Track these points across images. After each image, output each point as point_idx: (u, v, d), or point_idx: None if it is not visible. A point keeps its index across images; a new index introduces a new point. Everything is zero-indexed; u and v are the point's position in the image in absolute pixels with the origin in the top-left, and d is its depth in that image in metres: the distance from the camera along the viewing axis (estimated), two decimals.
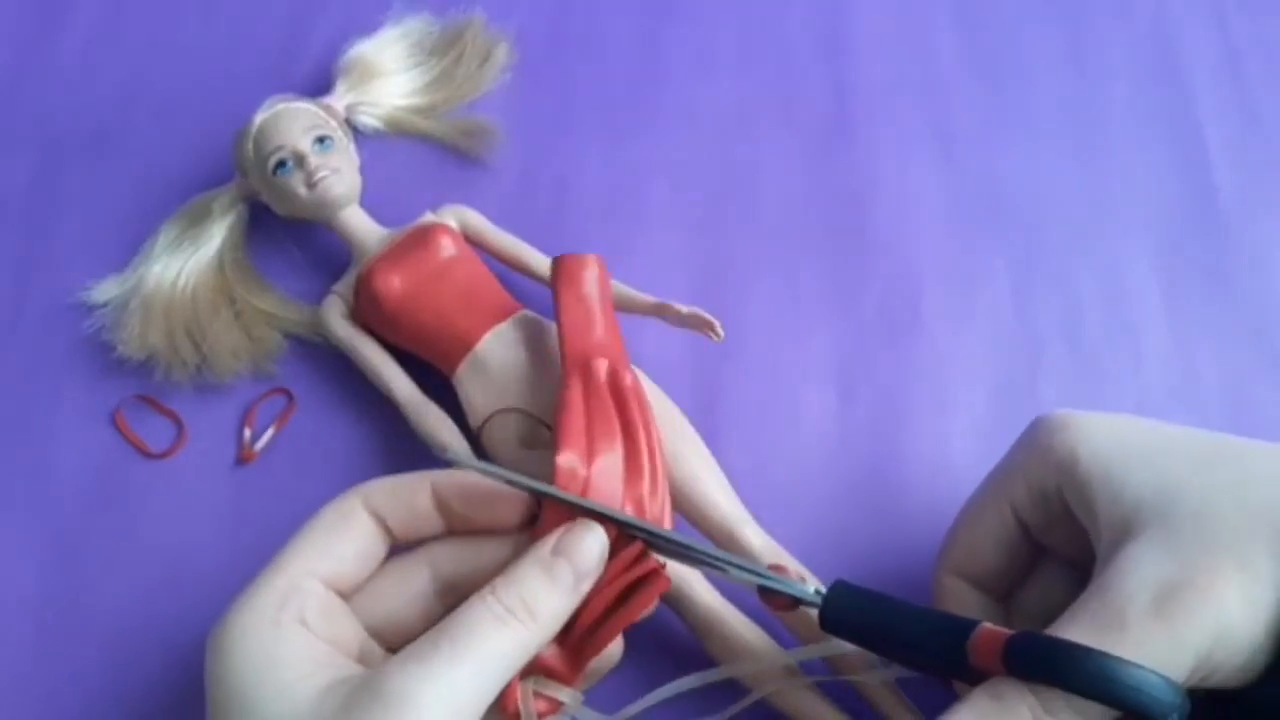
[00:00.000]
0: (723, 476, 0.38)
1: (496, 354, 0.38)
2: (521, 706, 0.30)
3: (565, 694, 0.31)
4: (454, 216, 0.42)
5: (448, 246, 0.40)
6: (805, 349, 0.43)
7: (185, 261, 0.43)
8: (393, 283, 0.39)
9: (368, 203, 0.43)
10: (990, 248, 0.45)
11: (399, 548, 0.32)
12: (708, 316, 0.38)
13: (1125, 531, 0.28)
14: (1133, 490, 0.28)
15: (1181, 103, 0.48)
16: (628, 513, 0.33)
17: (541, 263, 0.41)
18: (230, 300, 0.42)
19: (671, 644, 0.37)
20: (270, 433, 0.41)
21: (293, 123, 0.41)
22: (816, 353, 0.43)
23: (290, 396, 0.42)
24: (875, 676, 0.34)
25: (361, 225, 0.42)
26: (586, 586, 0.29)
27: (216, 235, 0.43)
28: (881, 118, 0.48)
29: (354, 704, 0.26)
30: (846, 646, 0.33)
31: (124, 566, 0.39)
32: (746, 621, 0.35)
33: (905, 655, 0.30)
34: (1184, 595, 0.25)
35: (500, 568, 0.29)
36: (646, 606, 0.30)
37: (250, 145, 0.42)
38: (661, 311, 0.40)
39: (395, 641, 0.30)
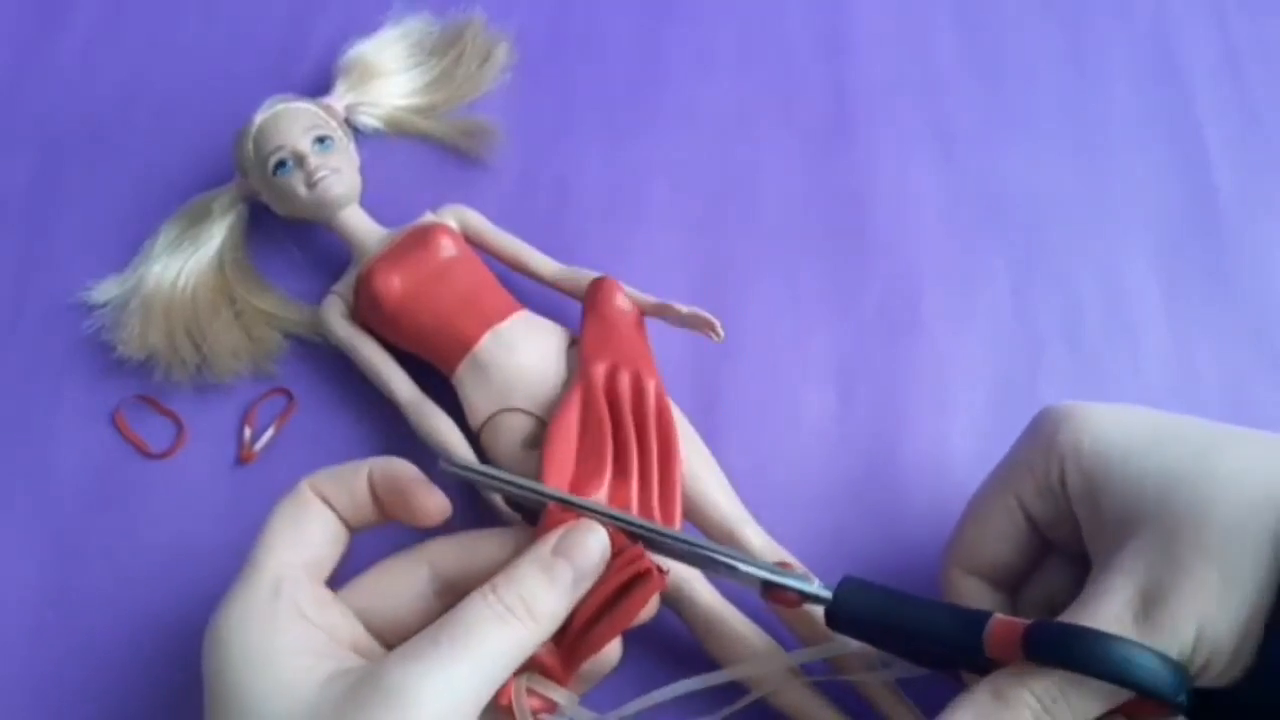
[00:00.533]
0: (722, 476, 0.38)
1: (496, 354, 0.38)
2: (515, 704, 0.30)
3: (559, 694, 0.31)
4: (454, 216, 0.42)
5: (448, 246, 0.40)
6: (805, 349, 0.43)
7: (185, 261, 0.43)
8: (392, 283, 0.39)
9: (368, 203, 0.43)
10: (990, 248, 0.45)
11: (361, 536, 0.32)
12: (708, 316, 0.38)
13: (1124, 526, 0.28)
14: (1134, 480, 0.28)
15: (1181, 103, 0.48)
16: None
17: (542, 263, 0.42)
18: (230, 300, 0.42)
19: (673, 644, 0.37)
20: (270, 433, 0.41)
21: (293, 123, 0.41)
22: (816, 353, 0.43)
23: (290, 396, 0.42)
24: (876, 677, 0.34)
25: (361, 225, 0.42)
26: (586, 586, 0.29)
27: (216, 235, 0.43)
28: (881, 118, 0.48)
29: (354, 697, 0.26)
30: (850, 645, 0.33)
31: (124, 566, 0.39)
32: (747, 622, 0.35)
33: (915, 649, 0.30)
34: (1168, 604, 0.26)
35: (499, 567, 0.29)
36: (640, 607, 0.30)
37: (250, 145, 0.42)
38: (661, 311, 0.40)
39: (394, 640, 0.30)
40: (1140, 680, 0.26)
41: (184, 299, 0.42)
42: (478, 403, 0.38)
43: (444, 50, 0.48)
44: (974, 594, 0.33)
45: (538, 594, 0.28)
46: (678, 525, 0.35)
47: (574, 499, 0.31)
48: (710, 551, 0.31)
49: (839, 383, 0.42)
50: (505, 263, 0.42)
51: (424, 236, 0.40)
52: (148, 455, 0.41)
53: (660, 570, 0.30)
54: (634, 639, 0.37)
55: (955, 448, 0.41)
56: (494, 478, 0.31)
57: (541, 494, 0.31)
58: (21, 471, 0.41)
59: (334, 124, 0.43)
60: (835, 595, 0.30)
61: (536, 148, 0.47)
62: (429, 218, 0.42)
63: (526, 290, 0.42)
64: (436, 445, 0.38)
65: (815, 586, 0.31)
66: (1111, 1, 0.51)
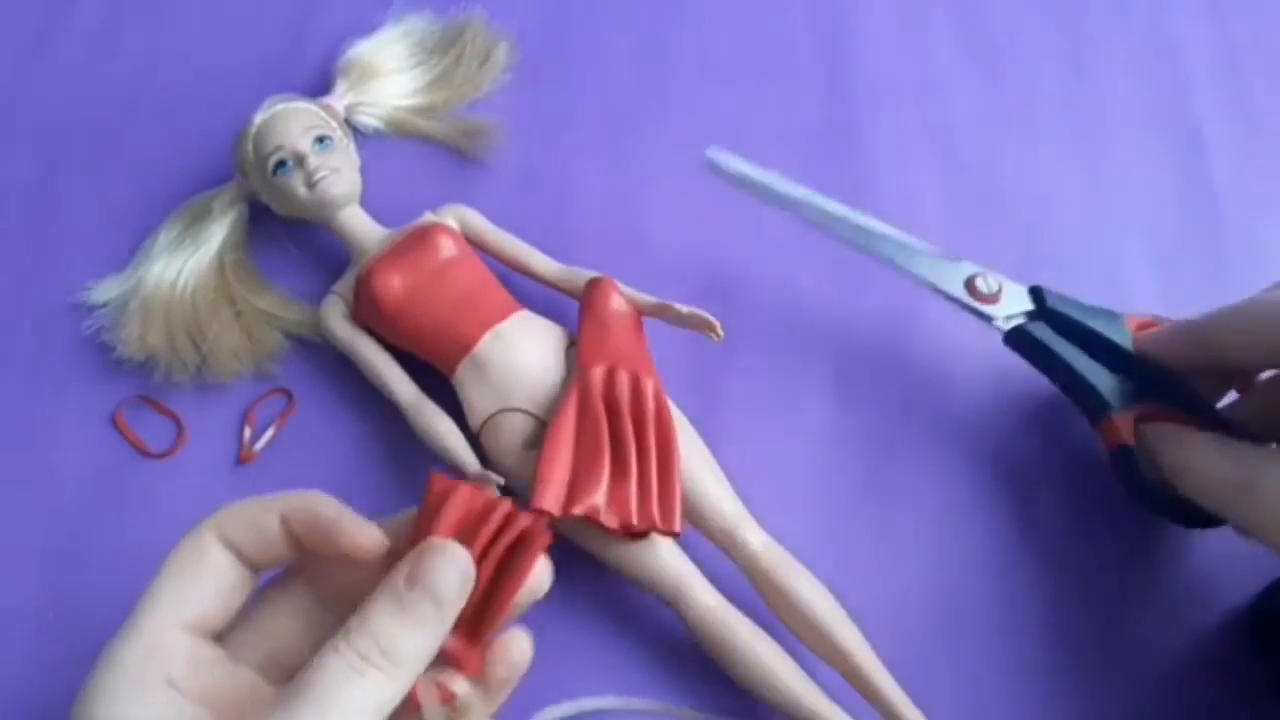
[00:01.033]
0: (722, 476, 0.38)
1: (496, 354, 0.38)
2: (423, 700, 0.27)
3: (461, 685, 0.28)
4: (454, 216, 0.42)
5: (447, 246, 0.40)
6: (805, 349, 0.43)
7: (185, 261, 0.43)
8: (392, 283, 0.39)
9: (368, 203, 0.43)
10: (990, 247, 0.45)
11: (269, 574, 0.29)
12: (708, 316, 0.38)
13: None
14: None
15: (1181, 103, 0.48)
16: (611, 511, 0.35)
17: (541, 263, 0.42)
18: (230, 300, 0.42)
19: (674, 645, 0.37)
20: (270, 433, 0.41)
21: (292, 123, 0.41)
22: (816, 353, 0.43)
23: (290, 396, 0.42)
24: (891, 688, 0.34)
25: (361, 225, 0.42)
26: (451, 616, 0.26)
27: (216, 235, 0.43)
28: (881, 118, 0.48)
29: None
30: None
31: (124, 566, 0.39)
32: (746, 622, 0.35)
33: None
34: None
35: (376, 573, 0.26)
36: (528, 572, 0.27)
37: (250, 145, 0.42)
38: (661, 312, 0.40)
39: (289, 671, 0.26)
40: None
41: (184, 299, 0.42)
42: (478, 403, 0.38)
43: (444, 50, 0.48)
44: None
45: (395, 636, 0.25)
46: (677, 526, 0.35)
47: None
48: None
49: (839, 383, 0.42)
50: (505, 263, 0.42)
51: (424, 236, 0.40)
52: (148, 455, 0.41)
53: (548, 525, 0.27)
54: (637, 641, 0.37)
55: (955, 448, 0.41)
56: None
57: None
58: (22, 471, 0.41)
59: (334, 124, 0.43)
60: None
61: (536, 148, 0.47)
62: (429, 218, 0.42)
63: (526, 290, 0.42)
64: (439, 450, 0.38)
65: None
66: (1111, 1, 0.51)
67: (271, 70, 0.48)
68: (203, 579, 0.28)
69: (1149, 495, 0.36)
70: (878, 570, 0.38)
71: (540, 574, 0.28)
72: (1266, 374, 0.37)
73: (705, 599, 0.35)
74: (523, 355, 0.38)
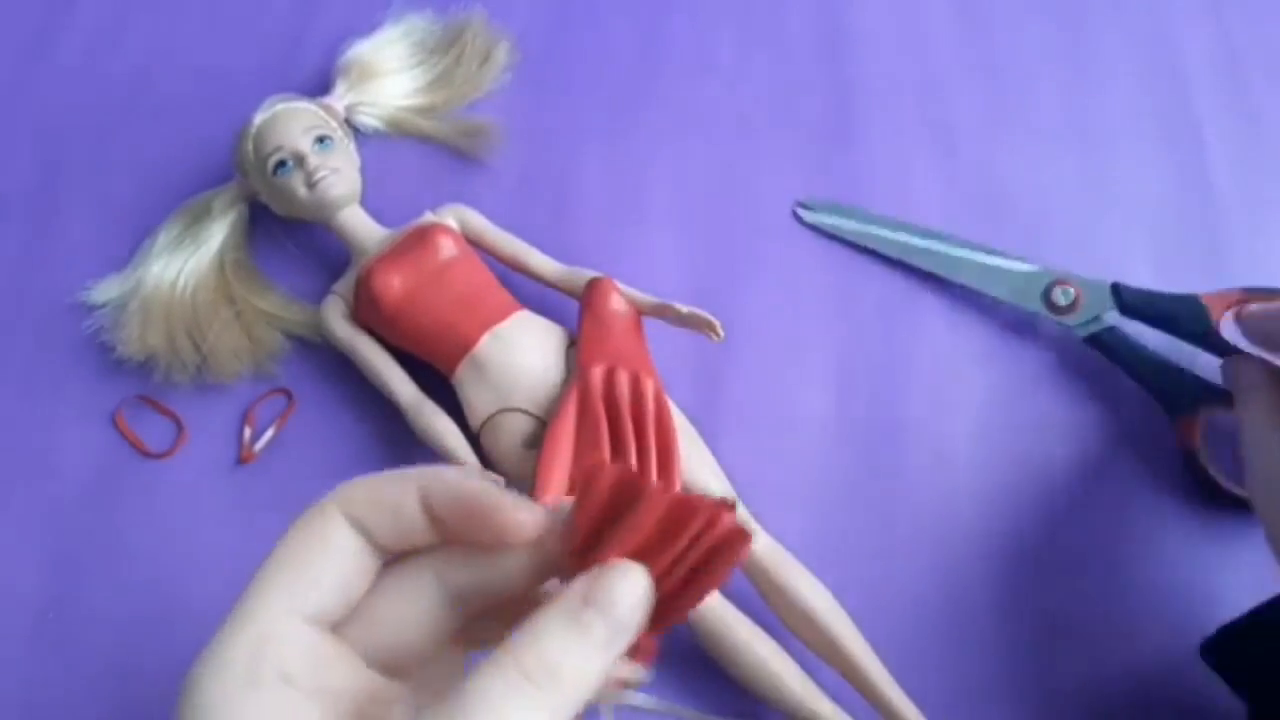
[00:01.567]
0: (722, 476, 0.38)
1: (496, 354, 0.38)
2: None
3: (634, 671, 0.26)
4: (454, 216, 0.42)
5: (447, 246, 0.40)
6: (805, 349, 0.43)
7: (185, 261, 0.43)
8: (392, 283, 0.39)
9: (368, 203, 0.43)
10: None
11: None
12: (708, 316, 0.38)
13: None
14: None
15: (1181, 102, 0.48)
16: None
17: (541, 263, 0.42)
18: (230, 300, 0.42)
19: (674, 645, 0.37)
20: (270, 433, 0.41)
21: (292, 123, 0.41)
22: (816, 353, 0.43)
23: (290, 396, 0.42)
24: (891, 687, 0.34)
25: (361, 225, 0.42)
26: (625, 642, 0.23)
27: (216, 235, 0.43)
28: (881, 118, 0.48)
29: None
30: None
31: (124, 566, 0.39)
32: (746, 622, 0.35)
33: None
34: None
35: (522, 572, 0.25)
36: (728, 572, 0.25)
37: (250, 145, 0.42)
38: (661, 312, 0.40)
39: (401, 666, 0.25)
40: None
41: (184, 299, 0.42)
42: (477, 403, 0.38)
43: (444, 50, 0.48)
44: None
45: (565, 656, 0.23)
46: None
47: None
48: None
49: (839, 383, 0.42)
50: (505, 263, 0.42)
51: (424, 236, 0.40)
52: (148, 455, 0.41)
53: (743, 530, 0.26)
54: None
55: (955, 449, 0.41)
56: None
57: None
58: (22, 471, 0.41)
59: (334, 124, 0.43)
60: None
61: (536, 148, 0.47)
62: (429, 218, 0.42)
63: (526, 290, 0.42)
64: (440, 449, 0.38)
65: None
66: (1111, 1, 0.51)
67: (271, 70, 0.48)
68: (326, 565, 0.25)
69: (1217, 495, 0.38)
70: (877, 570, 0.38)
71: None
72: None
73: (715, 608, 0.35)
74: (522, 355, 0.38)
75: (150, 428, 0.41)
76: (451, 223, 0.42)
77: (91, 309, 0.43)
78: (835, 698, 0.34)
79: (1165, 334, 0.40)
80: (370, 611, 0.25)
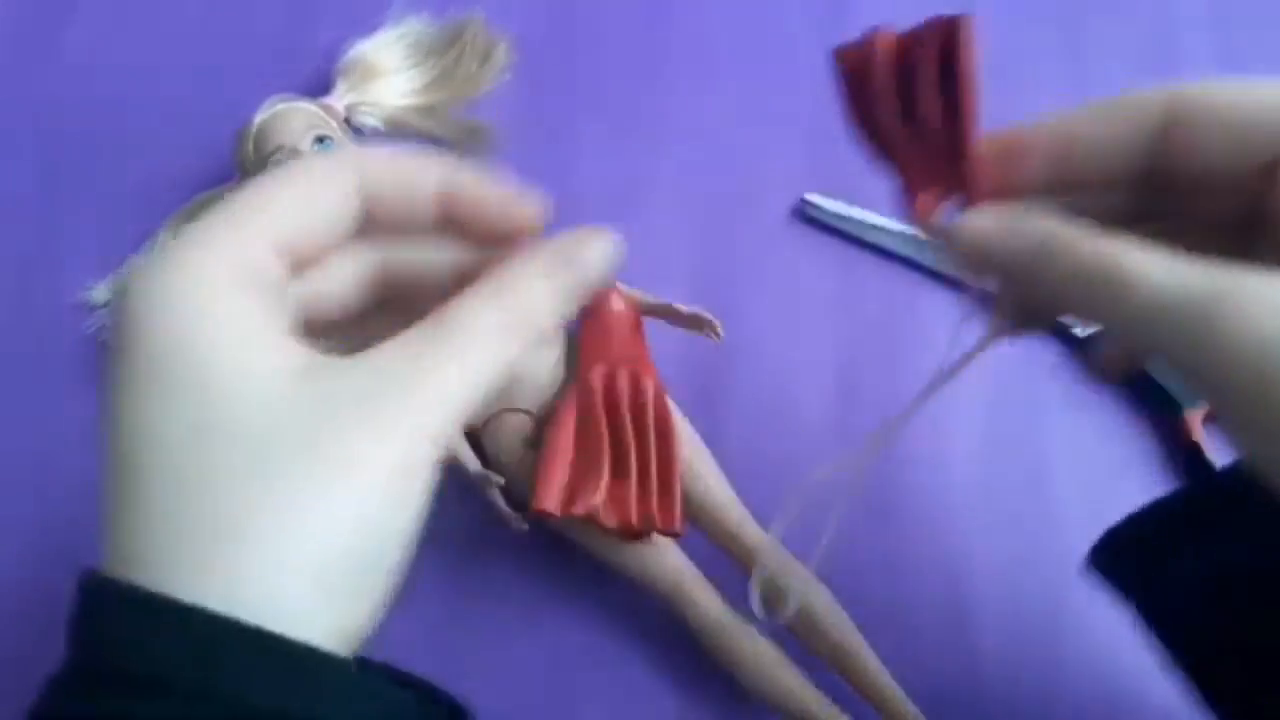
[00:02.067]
0: (722, 476, 0.38)
1: None
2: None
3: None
4: None
5: None
6: (805, 348, 0.43)
7: None
8: None
9: None
10: None
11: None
12: (708, 316, 0.38)
13: None
14: None
15: None
16: (610, 511, 0.35)
17: None
18: None
19: (676, 643, 0.37)
20: None
21: (293, 123, 0.41)
22: (816, 353, 0.43)
23: None
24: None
25: None
26: (583, 297, 0.25)
27: None
28: None
29: (337, 394, 0.21)
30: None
31: None
32: (747, 627, 0.35)
33: None
34: None
35: (452, 270, 0.25)
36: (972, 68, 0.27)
37: (250, 145, 0.42)
38: (662, 312, 0.40)
39: (300, 264, 0.24)
40: None
41: None
42: None
43: (444, 50, 0.48)
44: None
45: (544, 308, 0.24)
46: (678, 526, 0.35)
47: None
48: None
49: (839, 383, 0.42)
50: None
51: None
52: None
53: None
54: (637, 641, 0.37)
55: (956, 449, 0.41)
56: None
57: None
58: (22, 472, 0.41)
59: (334, 124, 0.43)
60: None
61: (536, 148, 0.47)
62: None
63: None
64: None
65: None
66: (1111, 1, 0.51)
67: (271, 70, 0.48)
68: (322, 206, 0.23)
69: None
70: (877, 569, 0.38)
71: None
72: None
73: (705, 600, 0.35)
74: (523, 356, 0.38)
75: None
76: None
77: (91, 309, 0.43)
78: (836, 698, 0.34)
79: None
80: (291, 201, 0.24)
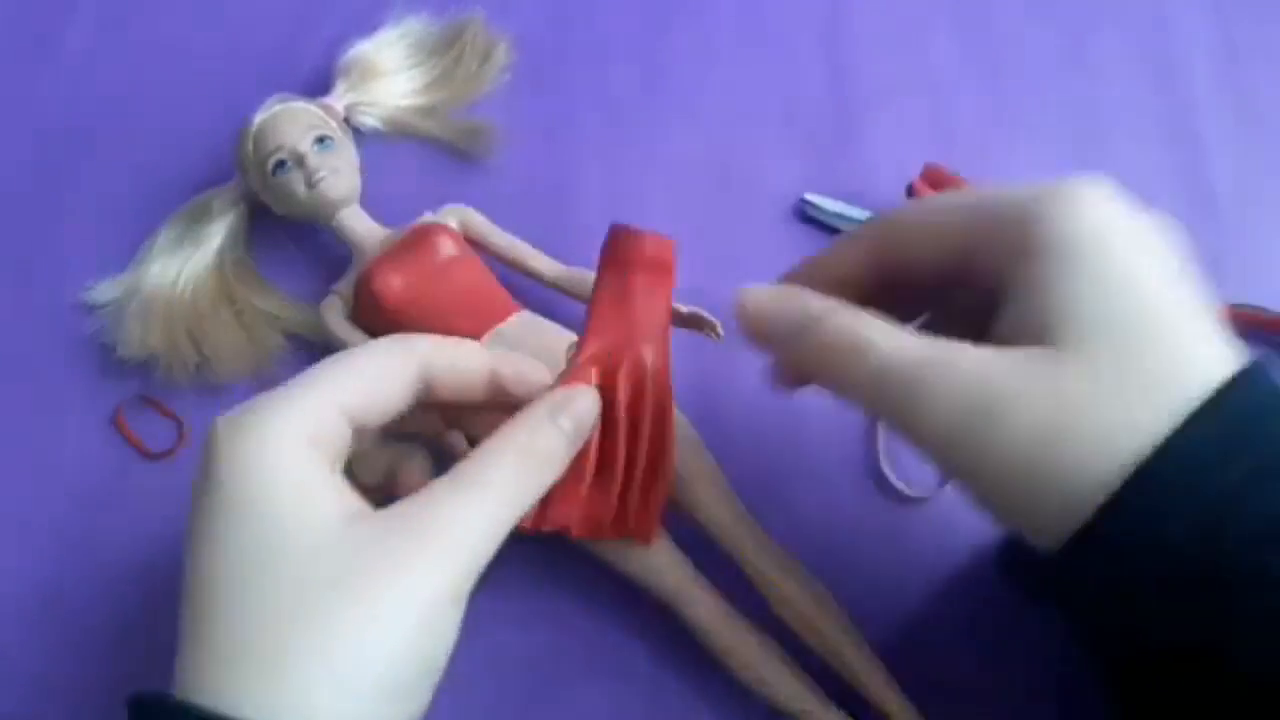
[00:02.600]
0: (722, 476, 0.38)
1: None
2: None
3: None
4: (454, 216, 0.42)
5: (448, 246, 0.40)
6: None
7: (185, 262, 0.43)
8: (393, 283, 0.39)
9: (368, 203, 0.43)
10: None
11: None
12: (708, 316, 0.38)
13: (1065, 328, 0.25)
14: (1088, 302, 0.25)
15: (1181, 103, 0.48)
16: (585, 525, 0.33)
17: (542, 263, 0.42)
18: (230, 300, 0.42)
19: (676, 642, 0.37)
20: None
21: (292, 123, 0.41)
22: None
23: None
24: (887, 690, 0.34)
25: (361, 225, 0.42)
26: (581, 437, 0.31)
27: (216, 235, 0.43)
28: (881, 118, 0.48)
29: (383, 535, 0.25)
30: None
31: (124, 566, 0.39)
32: (746, 623, 0.35)
33: None
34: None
35: (481, 385, 0.30)
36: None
37: (250, 145, 0.42)
38: None
39: (364, 435, 0.29)
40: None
41: (184, 299, 0.42)
42: None
43: (444, 50, 0.48)
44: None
45: (548, 441, 0.29)
46: (653, 538, 0.34)
47: None
48: None
49: None
50: (505, 263, 0.42)
51: (424, 236, 0.40)
52: (148, 455, 0.41)
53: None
54: (637, 640, 0.37)
55: None
56: None
57: None
58: (22, 472, 0.41)
59: (334, 124, 0.43)
60: None
61: (536, 148, 0.47)
62: (429, 218, 0.42)
63: (526, 290, 0.42)
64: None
65: None
66: (1111, 1, 0.51)
67: (271, 70, 0.48)
68: (383, 388, 0.28)
69: None
70: (879, 570, 0.38)
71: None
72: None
73: (705, 600, 0.35)
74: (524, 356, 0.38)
75: (150, 428, 0.41)
76: (451, 223, 0.42)
77: (92, 309, 0.43)
78: (836, 699, 0.34)
79: None
80: (360, 376, 0.29)
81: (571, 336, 0.40)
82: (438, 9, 0.49)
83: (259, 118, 0.42)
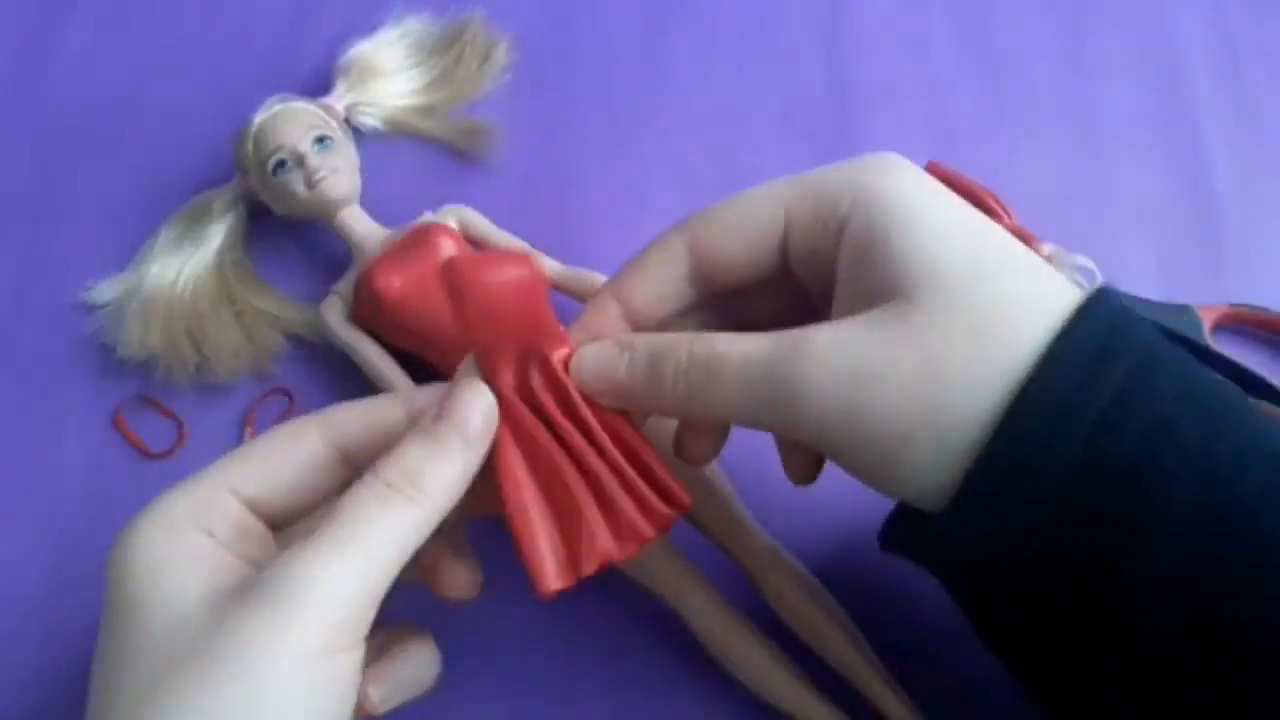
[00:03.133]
0: (722, 476, 0.38)
1: None
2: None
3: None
4: (454, 216, 0.42)
5: (448, 246, 0.40)
6: None
7: (185, 262, 0.43)
8: (393, 283, 0.39)
9: (368, 203, 0.43)
10: None
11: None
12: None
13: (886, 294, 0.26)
14: (925, 255, 0.26)
15: (1181, 103, 0.48)
16: (620, 544, 0.29)
17: (541, 263, 0.41)
18: (230, 300, 0.42)
19: (676, 642, 0.37)
20: None
21: (292, 123, 0.41)
22: None
23: (290, 396, 0.42)
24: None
25: (361, 225, 0.42)
26: (479, 451, 0.27)
27: (216, 235, 0.43)
28: (881, 118, 0.48)
29: (238, 602, 0.24)
30: None
31: None
32: (746, 623, 0.35)
33: None
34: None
35: (404, 422, 0.28)
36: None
37: (250, 145, 0.42)
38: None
39: (280, 516, 0.28)
40: None
41: (184, 299, 0.42)
42: None
43: (444, 50, 0.48)
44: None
45: (423, 465, 0.26)
46: (686, 498, 0.30)
47: None
48: None
49: None
50: None
51: (424, 236, 0.40)
52: (148, 455, 0.41)
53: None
54: (637, 641, 0.37)
55: None
56: None
57: None
58: (22, 472, 0.41)
59: (334, 124, 0.43)
60: None
61: (536, 148, 0.47)
62: (429, 218, 0.42)
63: None
64: None
65: None
66: (1111, 1, 0.51)
67: (271, 70, 0.48)
68: (285, 466, 0.28)
69: None
70: (879, 570, 0.38)
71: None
72: None
73: (705, 600, 0.35)
74: None
75: (150, 428, 0.41)
76: (451, 223, 0.42)
77: (92, 309, 0.43)
78: (837, 699, 0.34)
79: None
80: (263, 464, 0.28)
81: None
82: (438, 9, 0.49)
83: (259, 118, 0.42)
